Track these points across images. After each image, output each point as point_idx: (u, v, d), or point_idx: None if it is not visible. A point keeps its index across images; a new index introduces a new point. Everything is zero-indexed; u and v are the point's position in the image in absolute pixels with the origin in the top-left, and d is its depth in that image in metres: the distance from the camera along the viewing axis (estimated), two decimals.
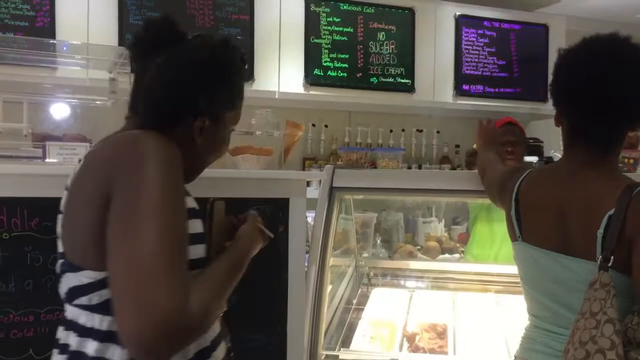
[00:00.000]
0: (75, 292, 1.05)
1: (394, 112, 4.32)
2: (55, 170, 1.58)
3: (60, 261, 1.09)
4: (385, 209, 3.68)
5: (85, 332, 1.04)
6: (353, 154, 3.24)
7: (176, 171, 1.03)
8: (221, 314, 1.20)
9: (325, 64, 3.84)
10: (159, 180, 0.98)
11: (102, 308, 1.02)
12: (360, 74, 3.94)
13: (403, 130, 4.35)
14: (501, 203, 1.60)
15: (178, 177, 1.03)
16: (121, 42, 3.37)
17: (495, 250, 2.86)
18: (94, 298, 1.03)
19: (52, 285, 1.52)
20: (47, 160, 1.63)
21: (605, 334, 1.17)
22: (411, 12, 4.07)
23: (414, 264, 2.75)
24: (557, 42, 4.45)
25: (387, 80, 4.00)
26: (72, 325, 1.07)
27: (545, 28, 4.43)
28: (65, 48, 2.37)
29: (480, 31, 4.28)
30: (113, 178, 0.99)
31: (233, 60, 1.22)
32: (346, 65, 3.90)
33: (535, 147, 4.29)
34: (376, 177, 2.28)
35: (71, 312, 1.08)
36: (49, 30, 3.26)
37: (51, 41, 2.91)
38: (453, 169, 4.31)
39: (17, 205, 1.50)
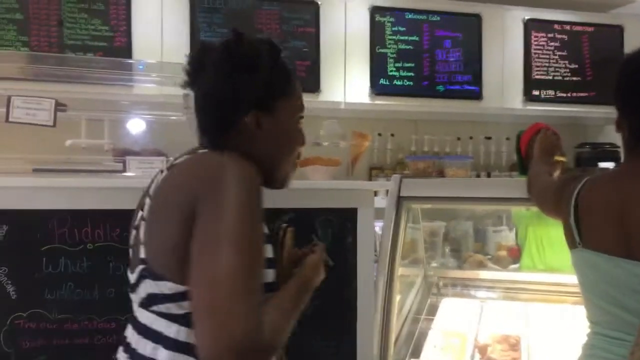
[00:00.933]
0: (154, 299, 1.09)
1: (462, 120, 4.26)
2: (135, 183, 1.66)
3: (141, 267, 1.12)
4: (454, 218, 3.63)
5: (160, 339, 1.08)
6: (420, 162, 3.21)
7: (257, 196, 1.07)
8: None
9: (390, 74, 3.84)
10: (242, 204, 1.02)
11: (181, 319, 1.07)
12: (427, 83, 3.92)
13: (471, 137, 4.28)
14: (556, 212, 1.56)
15: (259, 202, 1.07)
16: None
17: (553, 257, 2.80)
18: (173, 308, 1.07)
19: None
20: (126, 173, 1.72)
21: None
22: (478, 18, 4.01)
23: (484, 274, 2.69)
24: (633, 43, 4.26)
25: (454, 87, 3.96)
26: (144, 330, 1.11)
27: (620, 29, 4.26)
28: (141, 67, 2.49)
29: (550, 35, 4.16)
30: (198, 196, 1.03)
31: (254, 48, 1.20)
32: (412, 74, 3.89)
33: (612, 152, 4.13)
34: (444, 186, 2.26)
35: (146, 317, 1.12)
36: (126, 50, 3.42)
37: (128, 61, 3.06)
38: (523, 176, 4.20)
39: (100, 217, 1.58)
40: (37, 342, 1.54)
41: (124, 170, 1.71)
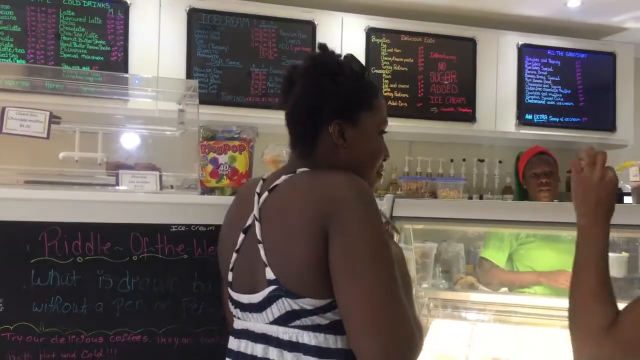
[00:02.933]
0: (296, 315, 1.14)
1: (455, 142, 4.29)
2: (127, 197, 1.66)
3: (272, 287, 1.15)
4: (446, 240, 3.63)
5: (308, 349, 1.14)
6: (413, 183, 3.22)
7: (377, 209, 1.15)
8: None
9: (385, 94, 3.87)
10: (372, 222, 1.12)
11: (328, 328, 1.14)
12: (421, 104, 3.95)
13: (464, 160, 4.30)
14: None
15: (380, 214, 1.16)
16: (189, 74, 3.52)
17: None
18: (317, 319, 1.13)
19: (121, 308, 1.58)
20: (119, 187, 1.71)
21: None
22: (472, 42, 4.06)
23: (475, 296, 2.69)
24: (625, 70, 4.34)
25: (448, 110, 3.99)
26: (287, 345, 1.16)
27: (612, 56, 4.32)
28: (137, 81, 2.49)
29: (544, 60, 4.21)
30: (328, 217, 1.10)
31: (337, 60, 1.29)
32: (406, 95, 3.92)
33: None
34: (436, 206, 2.27)
35: (285, 332, 1.16)
36: (122, 64, 3.44)
37: (124, 75, 3.07)
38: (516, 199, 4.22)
39: (90, 230, 1.57)
40: (23, 355, 1.52)
41: (117, 184, 1.71)
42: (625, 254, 2.48)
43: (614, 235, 2.37)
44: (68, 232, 1.56)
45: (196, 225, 1.60)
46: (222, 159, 1.74)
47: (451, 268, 3.56)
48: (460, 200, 3.12)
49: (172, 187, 1.89)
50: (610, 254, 2.48)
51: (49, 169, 1.90)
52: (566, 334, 2.30)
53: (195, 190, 1.78)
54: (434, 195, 3.24)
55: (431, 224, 2.28)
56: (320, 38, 3.73)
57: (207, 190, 1.77)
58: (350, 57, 1.31)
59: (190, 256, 1.60)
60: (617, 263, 2.45)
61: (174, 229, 1.60)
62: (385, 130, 1.33)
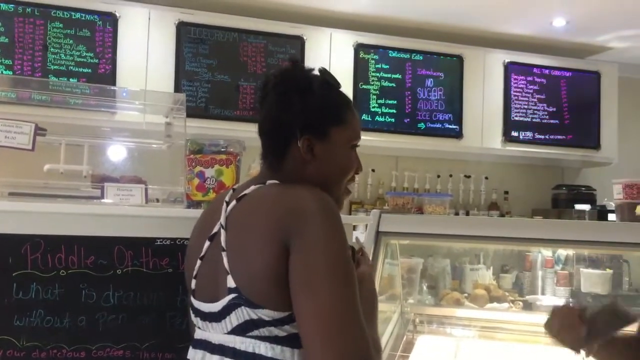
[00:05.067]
0: (253, 325, 1.12)
1: (442, 158, 4.31)
2: (112, 210, 1.65)
3: (232, 295, 1.14)
4: (432, 255, 3.63)
5: None
6: (400, 198, 3.24)
7: (342, 226, 1.13)
8: None
9: (373, 110, 3.89)
10: (334, 238, 1.10)
11: (286, 340, 1.12)
12: (408, 120, 3.97)
13: (451, 175, 4.33)
14: None
15: (344, 232, 1.14)
16: (177, 87, 3.52)
17: None
18: (276, 331, 1.12)
19: (104, 322, 1.56)
20: (104, 200, 1.70)
21: None
22: (459, 59, 4.10)
23: (461, 312, 2.69)
24: (610, 89, 4.40)
25: (435, 126, 4.02)
26: (242, 355, 1.14)
27: (597, 75, 4.38)
28: (124, 94, 2.49)
29: (529, 78, 4.27)
30: (290, 230, 1.09)
31: (306, 75, 1.28)
32: (394, 111, 3.95)
33: (587, 195, 4.20)
34: (423, 222, 2.27)
35: (242, 342, 1.14)
36: (110, 77, 3.43)
37: (112, 87, 3.06)
38: (502, 215, 4.25)
39: (74, 243, 1.56)
40: None
41: (102, 197, 1.70)
42: (609, 271, 2.50)
43: (597, 252, 2.39)
44: (51, 245, 1.54)
45: (182, 239, 1.59)
46: (209, 172, 1.74)
47: (437, 283, 3.56)
48: (446, 216, 3.13)
49: (158, 200, 1.89)
50: (594, 271, 2.51)
51: (34, 181, 1.89)
52: (549, 351, 2.31)
53: (182, 203, 1.77)
54: (420, 210, 3.25)
55: (417, 239, 2.29)
56: (308, 53, 3.76)
57: (194, 204, 1.76)
58: (323, 71, 1.30)
59: (175, 270, 1.59)
60: (601, 280, 2.47)
61: (158, 243, 1.59)
62: (358, 144, 1.31)
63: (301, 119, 1.23)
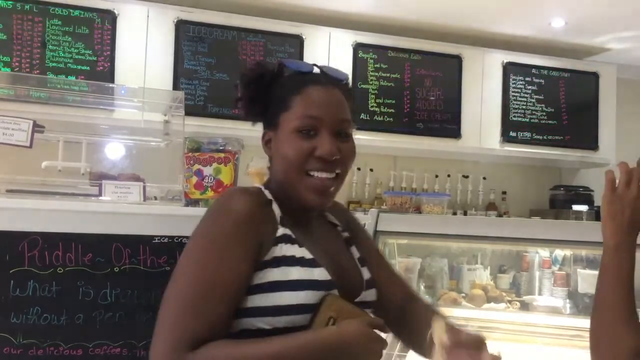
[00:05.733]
0: None
1: (440, 158, 4.32)
2: (108, 208, 1.64)
3: None
4: (430, 255, 3.63)
5: None
6: (398, 198, 3.24)
7: (239, 226, 1.10)
8: None
9: (371, 109, 3.89)
10: (212, 231, 1.10)
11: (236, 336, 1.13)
12: (407, 119, 3.98)
13: (449, 175, 4.33)
14: None
15: (238, 232, 1.09)
16: (176, 85, 3.51)
17: None
18: None
19: (101, 320, 1.56)
20: (102, 198, 1.70)
21: None
22: (458, 59, 4.10)
23: (458, 312, 2.69)
24: (608, 90, 4.40)
25: (433, 125, 4.02)
26: None
27: (595, 76, 4.39)
28: (123, 91, 2.49)
29: (528, 78, 4.27)
30: None
31: (253, 69, 1.25)
32: (392, 111, 3.95)
33: (585, 195, 4.20)
34: (420, 222, 2.28)
35: None
36: (109, 74, 3.42)
37: (110, 85, 3.06)
38: (499, 215, 4.25)
39: (72, 240, 1.55)
40: None
41: (100, 195, 1.69)
42: None
43: (595, 253, 2.39)
44: (49, 242, 1.54)
45: (179, 237, 1.58)
46: (207, 170, 1.74)
47: (435, 283, 3.56)
48: (444, 216, 3.13)
49: (155, 198, 1.88)
50: (591, 271, 2.50)
51: (31, 178, 1.88)
52: (546, 351, 2.31)
53: (179, 201, 1.77)
54: (418, 210, 3.25)
55: (415, 239, 2.29)
56: (307, 52, 3.76)
57: (192, 202, 1.76)
58: (280, 62, 1.26)
59: (172, 268, 1.58)
60: (594, 280, 2.47)
61: (156, 241, 1.58)
62: (304, 127, 1.16)
63: (251, 114, 1.26)
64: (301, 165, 1.16)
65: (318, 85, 1.20)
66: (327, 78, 1.24)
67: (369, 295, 1.26)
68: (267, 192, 1.22)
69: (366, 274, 1.29)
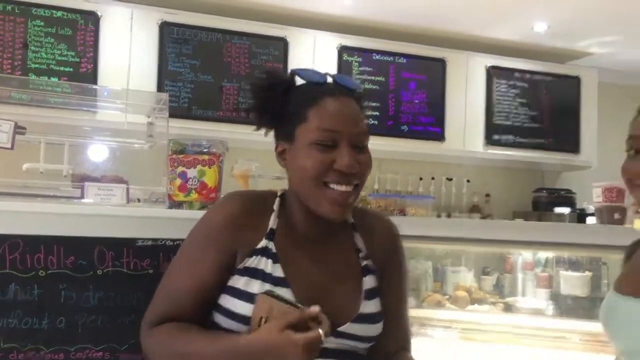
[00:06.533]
0: None
1: (424, 160, 4.33)
2: (91, 210, 1.63)
3: None
4: (414, 257, 3.65)
5: None
6: (382, 200, 3.25)
7: (211, 233, 1.21)
8: None
9: None
10: (188, 239, 1.25)
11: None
12: (391, 122, 3.99)
13: (433, 178, 4.35)
14: None
15: (210, 238, 1.21)
16: (160, 87, 3.49)
17: None
18: None
19: (83, 323, 1.54)
20: (84, 200, 1.68)
21: None
22: (442, 62, 4.12)
23: (442, 314, 2.70)
24: (590, 94, 4.45)
25: (418, 128, 4.04)
26: None
27: (577, 80, 4.44)
28: (106, 93, 2.47)
29: (511, 82, 4.31)
30: None
31: (262, 76, 1.25)
32: (377, 114, 3.96)
33: (567, 198, 4.24)
34: (405, 224, 2.28)
35: None
36: (92, 76, 3.40)
37: (93, 86, 3.03)
38: (483, 218, 4.27)
39: (54, 243, 1.53)
40: None
41: (82, 197, 1.68)
42: (588, 273, 2.53)
43: (577, 255, 2.41)
44: (30, 245, 1.52)
45: (163, 239, 1.57)
46: (191, 172, 1.73)
47: (419, 285, 3.57)
48: (428, 218, 3.15)
49: (139, 200, 1.87)
50: (574, 273, 2.53)
51: (13, 180, 1.86)
52: (532, 352, 2.33)
53: (163, 204, 1.76)
54: (402, 212, 3.26)
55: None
56: (292, 55, 3.76)
57: (175, 204, 1.75)
58: (292, 71, 1.25)
59: (155, 271, 1.57)
60: (580, 282, 2.49)
61: (140, 243, 1.57)
62: (323, 141, 1.15)
63: (265, 125, 1.25)
64: (320, 177, 1.16)
65: (333, 97, 1.19)
66: (341, 89, 1.22)
67: (360, 329, 1.21)
68: (277, 201, 1.25)
69: (370, 307, 1.23)
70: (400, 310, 1.35)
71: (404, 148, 4.03)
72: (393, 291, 1.31)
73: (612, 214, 2.44)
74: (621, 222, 2.36)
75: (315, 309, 1.09)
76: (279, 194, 1.27)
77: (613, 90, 4.76)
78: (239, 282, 1.18)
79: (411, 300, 3.24)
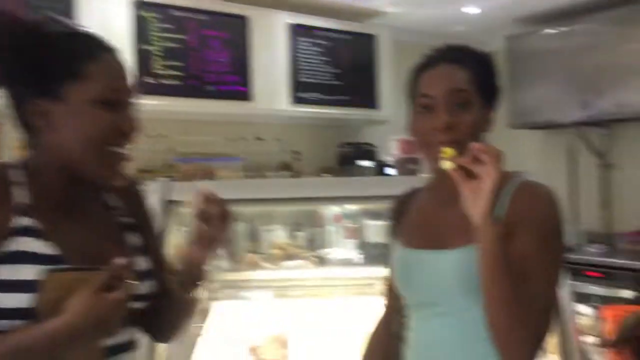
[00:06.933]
0: None
1: (232, 121, 4.26)
2: None
3: None
4: None
5: None
6: (190, 165, 3.13)
7: None
8: None
9: (157, 72, 3.68)
10: None
11: None
12: (196, 82, 3.83)
13: (242, 138, 4.30)
14: None
15: None
16: None
17: None
18: None
19: None
20: None
21: None
22: (244, 19, 4.04)
23: (258, 274, 2.71)
24: (385, 51, 4.69)
25: (223, 88, 3.94)
26: None
27: (373, 38, 4.64)
28: None
29: (314, 40, 4.37)
30: None
31: (28, 26, 1.07)
32: (180, 73, 3.77)
33: (369, 153, 4.47)
34: (214, 188, 2.21)
35: None
36: None
37: None
38: (294, 175, 4.35)
39: None
40: None
41: None
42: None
43: (380, 207, 2.54)
44: None
45: None
46: None
47: (235, 248, 3.55)
48: (237, 181, 3.11)
49: None
50: (377, 222, 2.67)
51: None
52: (344, 301, 2.41)
53: None
54: (212, 176, 3.18)
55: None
56: (79, 8, 3.39)
57: None
58: (51, 18, 1.11)
59: None
60: (383, 230, 2.64)
61: None
62: (114, 98, 1.08)
63: (21, 78, 1.06)
64: (103, 140, 1.08)
65: (107, 53, 1.12)
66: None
67: (143, 287, 1.15)
68: (16, 173, 1.07)
69: (142, 264, 1.18)
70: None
71: (209, 109, 3.90)
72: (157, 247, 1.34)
73: (408, 165, 2.62)
74: (416, 172, 2.54)
75: (120, 260, 1.01)
76: (13, 165, 1.09)
77: (408, 48, 5.05)
78: (2, 272, 0.99)
79: (226, 263, 3.20)
